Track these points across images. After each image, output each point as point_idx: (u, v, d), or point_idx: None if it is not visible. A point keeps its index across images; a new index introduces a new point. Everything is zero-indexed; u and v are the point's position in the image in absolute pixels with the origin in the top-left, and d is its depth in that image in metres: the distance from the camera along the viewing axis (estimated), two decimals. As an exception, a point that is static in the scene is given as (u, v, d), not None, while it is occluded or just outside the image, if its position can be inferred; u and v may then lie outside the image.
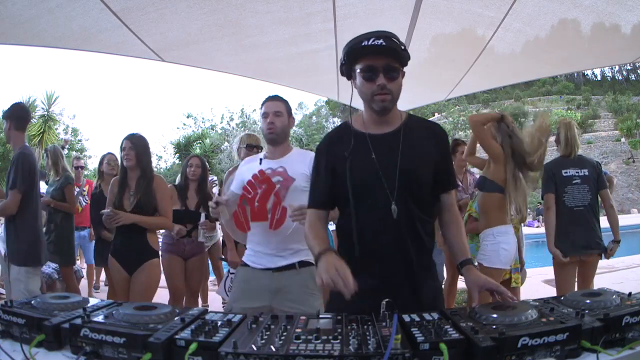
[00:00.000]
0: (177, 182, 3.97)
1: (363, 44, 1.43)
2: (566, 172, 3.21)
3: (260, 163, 2.27)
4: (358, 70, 1.48)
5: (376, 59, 1.44)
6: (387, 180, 1.48)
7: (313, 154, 2.16)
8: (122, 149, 2.96)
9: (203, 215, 3.56)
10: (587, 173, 3.21)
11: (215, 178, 3.91)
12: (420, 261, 1.51)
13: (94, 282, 5.70)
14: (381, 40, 1.42)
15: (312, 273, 2.06)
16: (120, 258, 2.90)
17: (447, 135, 1.66)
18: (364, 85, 1.48)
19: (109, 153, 4.42)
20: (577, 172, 3.22)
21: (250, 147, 3.48)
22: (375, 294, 1.30)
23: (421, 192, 1.52)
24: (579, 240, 3.16)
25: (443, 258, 3.44)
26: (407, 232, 1.49)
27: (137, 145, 2.96)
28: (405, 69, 1.50)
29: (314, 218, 1.61)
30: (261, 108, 2.33)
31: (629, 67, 50.17)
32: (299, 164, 2.21)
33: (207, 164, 4.61)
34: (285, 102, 2.32)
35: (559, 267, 3.24)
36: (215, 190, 4.43)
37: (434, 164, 1.54)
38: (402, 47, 1.46)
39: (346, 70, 1.53)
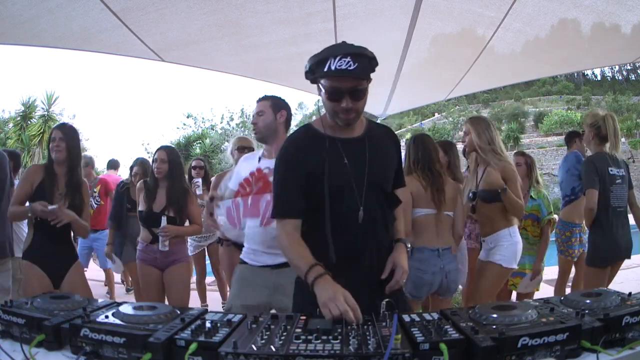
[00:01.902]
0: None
1: (329, 63, 1.38)
2: (611, 170, 2.95)
3: (259, 161, 2.30)
4: (322, 88, 1.46)
5: (342, 81, 1.41)
6: (357, 185, 1.51)
7: None
8: (51, 139, 2.65)
9: (164, 219, 2.96)
10: (624, 173, 3.02)
11: (199, 180, 3.84)
12: (385, 260, 1.57)
13: (124, 284, 5.58)
14: (349, 60, 1.37)
15: None
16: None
17: (397, 137, 1.75)
18: (329, 103, 1.48)
19: (142, 159, 4.42)
20: (618, 172, 2.98)
21: (242, 149, 3.53)
22: (353, 296, 1.29)
23: (383, 194, 1.59)
24: (624, 244, 2.96)
25: (457, 263, 3.10)
26: (372, 235, 1.54)
27: (68, 136, 2.63)
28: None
29: (290, 229, 1.51)
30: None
31: (629, 67, 50.27)
32: None
33: (204, 163, 4.64)
34: (271, 100, 2.32)
35: (595, 273, 2.95)
36: (198, 192, 4.43)
37: (394, 165, 1.65)
38: (369, 59, 1.43)
39: (311, 78, 1.51)
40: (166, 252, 3.00)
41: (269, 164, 2.23)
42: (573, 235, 3.91)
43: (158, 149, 3.17)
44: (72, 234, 2.69)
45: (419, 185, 2.71)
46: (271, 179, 2.13)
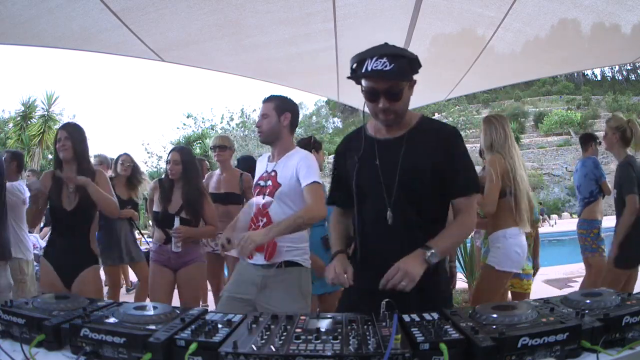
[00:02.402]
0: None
1: (366, 64, 1.40)
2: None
3: (267, 165, 2.33)
4: (362, 88, 1.49)
5: (378, 82, 1.43)
6: (386, 187, 1.49)
7: (301, 154, 2.27)
8: (57, 139, 2.64)
9: (177, 220, 2.92)
10: None
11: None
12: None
13: (123, 283, 5.54)
14: (384, 61, 1.38)
15: (300, 276, 2.17)
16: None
17: (456, 137, 1.55)
18: (368, 103, 1.51)
19: (124, 154, 4.42)
20: None
21: (214, 148, 3.53)
22: (376, 295, 1.31)
23: (420, 197, 1.49)
24: None
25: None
26: (403, 238, 1.47)
27: (73, 134, 2.63)
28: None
29: (336, 217, 1.74)
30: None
31: (629, 67, 50.15)
32: (288, 168, 2.21)
33: (201, 162, 4.64)
34: (276, 101, 2.29)
35: (615, 275, 3.01)
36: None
37: (436, 168, 1.48)
38: (410, 60, 1.42)
39: (355, 80, 1.51)
40: (179, 252, 2.95)
41: (268, 167, 2.28)
42: (600, 232, 4.01)
43: (171, 150, 3.15)
44: (90, 236, 2.65)
45: None
46: (266, 183, 2.24)
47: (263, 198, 2.21)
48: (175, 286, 3.08)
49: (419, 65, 1.45)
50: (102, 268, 4.56)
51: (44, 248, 2.77)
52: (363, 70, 1.41)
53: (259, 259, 2.18)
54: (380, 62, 1.38)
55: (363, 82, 1.46)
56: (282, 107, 2.27)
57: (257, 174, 2.35)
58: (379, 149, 1.55)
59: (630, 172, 2.97)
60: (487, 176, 2.69)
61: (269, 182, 2.22)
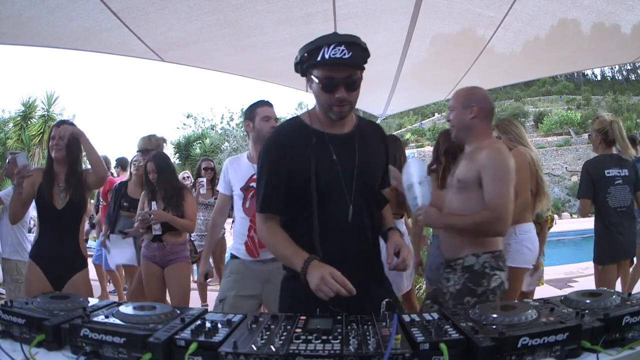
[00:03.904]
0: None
1: (323, 51, 1.34)
2: (609, 172, 3.09)
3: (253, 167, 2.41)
4: (316, 79, 1.40)
5: (337, 70, 1.37)
6: (346, 183, 1.47)
7: None
8: (52, 138, 2.59)
9: (154, 204, 3.14)
10: (627, 173, 3.11)
11: (204, 180, 3.87)
12: (378, 258, 1.57)
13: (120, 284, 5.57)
14: (343, 48, 1.33)
15: None
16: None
17: (385, 136, 1.71)
18: (322, 95, 1.42)
19: (137, 155, 4.44)
20: (619, 172, 3.09)
21: (140, 151, 3.55)
22: (341, 296, 1.28)
23: (373, 193, 1.57)
24: (621, 245, 3.05)
25: None
26: (360, 232, 1.50)
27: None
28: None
29: (272, 225, 1.50)
30: (255, 110, 2.45)
31: (629, 67, 50.16)
32: None
33: (213, 164, 4.67)
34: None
35: (603, 272, 3.08)
36: (202, 191, 4.39)
37: (383, 164, 1.61)
38: (363, 49, 1.40)
39: (301, 70, 1.45)
40: (165, 250, 3.16)
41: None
42: None
43: (147, 162, 3.33)
44: (79, 238, 2.61)
45: None
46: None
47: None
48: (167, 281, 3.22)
49: (369, 55, 1.43)
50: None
51: (30, 249, 2.59)
52: (319, 59, 1.35)
53: (266, 253, 2.31)
54: (339, 49, 1.33)
55: (317, 72, 1.39)
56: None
57: (240, 177, 2.42)
58: (333, 144, 1.47)
59: (587, 174, 3.12)
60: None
61: None
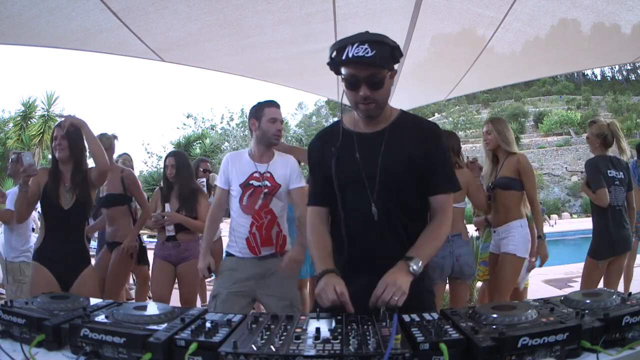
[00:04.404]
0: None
1: (347, 50, 1.37)
2: (610, 173, 3.27)
3: (256, 166, 2.44)
4: (342, 76, 1.44)
5: (359, 69, 1.39)
6: (368, 181, 1.46)
7: (291, 158, 2.49)
8: (53, 137, 2.60)
9: (167, 205, 3.23)
10: (622, 175, 3.31)
11: (203, 180, 3.86)
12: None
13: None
14: (366, 47, 1.35)
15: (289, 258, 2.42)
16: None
17: (437, 134, 1.55)
18: (348, 92, 1.46)
19: (124, 153, 4.43)
20: (617, 174, 3.28)
21: None
22: (365, 295, 1.29)
23: (403, 193, 1.48)
24: (621, 240, 3.23)
25: (469, 248, 3.13)
26: (389, 234, 1.47)
27: (70, 133, 2.57)
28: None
29: (315, 219, 1.58)
30: (262, 110, 2.44)
31: (629, 67, 50.17)
32: (282, 169, 2.45)
33: (210, 165, 4.66)
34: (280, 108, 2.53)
35: (593, 266, 3.25)
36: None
37: (417, 164, 1.47)
38: (391, 47, 1.41)
39: (333, 69, 1.48)
40: (180, 249, 3.26)
41: (266, 168, 2.44)
42: None
43: (167, 155, 3.45)
44: (84, 237, 2.62)
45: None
46: (261, 183, 2.38)
47: (264, 198, 2.39)
48: (175, 281, 3.33)
49: (401, 54, 1.44)
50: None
51: (34, 251, 2.55)
52: (343, 57, 1.37)
53: (267, 251, 2.39)
54: (362, 48, 1.35)
55: (343, 70, 1.42)
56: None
57: (240, 172, 2.43)
58: (359, 142, 1.50)
59: (597, 169, 3.25)
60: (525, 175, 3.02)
61: (266, 183, 2.38)
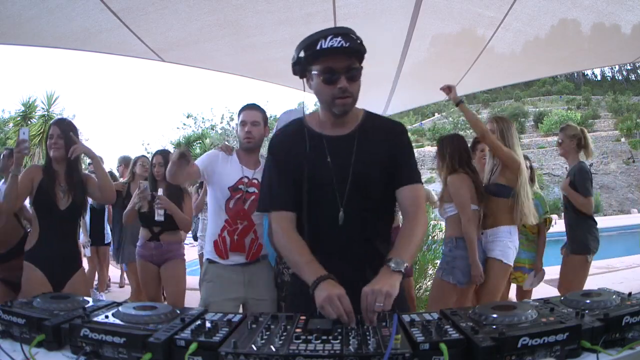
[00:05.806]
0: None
1: (320, 43, 1.34)
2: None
3: (243, 170, 2.38)
4: (316, 72, 1.38)
5: (336, 60, 1.36)
6: (339, 186, 1.44)
7: None
8: (49, 136, 2.55)
9: (160, 190, 3.10)
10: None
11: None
12: (374, 268, 1.33)
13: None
14: (340, 39, 1.33)
15: (269, 263, 2.44)
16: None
17: (403, 132, 1.55)
18: (324, 88, 1.39)
19: (142, 155, 4.45)
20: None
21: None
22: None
23: (373, 195, 1.47)
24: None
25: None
26: (356, 239, 1.45)
27: (66, 132, 2.52)
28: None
29: (286, 223, 1.45)
30: (239, 115, 2.43)
31: (629, 67, 50.18)
32: None
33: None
34: (263, 112, 2.46)
35: (582, 265, 3.37)
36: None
37: (387, 165, 1.46)
38: (360, 43, 1.39)
39: (300, 70, 1.43)
40: (161, 249, 3.26)
41: (253, 174, 2.38)
42: None
43: (154, 154, 3.45)
44: (76, 238, 2.65)
45: (471, 182, 2.90)
46: (250, 190, 2.31)
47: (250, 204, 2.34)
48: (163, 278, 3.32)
49: (365, 50, 1.41)
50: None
51: (27, 251, 2.48)
52: (318, 49, 1.34)
53: (238, 259, 2.34)
54: (336, 40, 1.32)
55: (317, 65, 1.37)
56: (266, 118, 2.47)
57: (230, 175, 2.34)
58: (329, 146, 1.45)
59: (588, 176, 3.31)
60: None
61: (253, 189, 2.35)
